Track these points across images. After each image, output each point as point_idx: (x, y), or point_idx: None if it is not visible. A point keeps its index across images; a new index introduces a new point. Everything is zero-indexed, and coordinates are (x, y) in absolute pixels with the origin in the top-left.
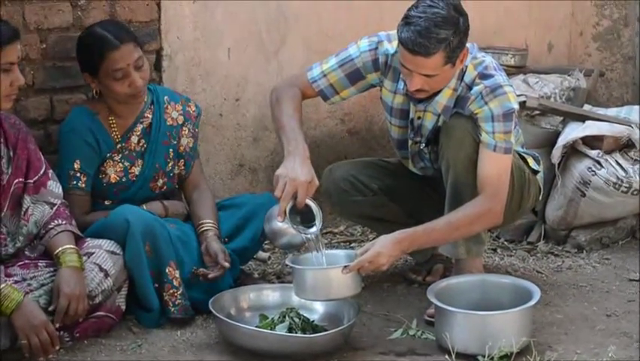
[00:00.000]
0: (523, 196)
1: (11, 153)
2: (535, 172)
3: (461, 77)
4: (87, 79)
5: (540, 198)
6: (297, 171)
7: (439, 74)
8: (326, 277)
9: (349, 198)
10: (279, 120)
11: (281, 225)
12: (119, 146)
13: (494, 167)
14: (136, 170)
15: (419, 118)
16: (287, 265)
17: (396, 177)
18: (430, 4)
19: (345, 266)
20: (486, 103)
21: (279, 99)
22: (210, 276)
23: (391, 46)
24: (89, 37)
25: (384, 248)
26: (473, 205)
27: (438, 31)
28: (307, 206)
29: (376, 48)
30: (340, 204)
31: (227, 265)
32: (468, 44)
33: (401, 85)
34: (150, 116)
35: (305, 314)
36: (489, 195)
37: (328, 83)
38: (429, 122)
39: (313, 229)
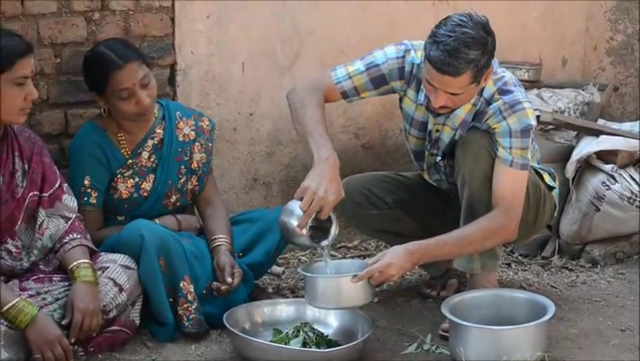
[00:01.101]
0: (538, 212)
1: (26, 167)
2: (551, 188)
3: (480, 92)
4: (95, 98)
5: (555, 214)
6: (326, 188)
7: (464, 92)
8: (337, 285)
9: (364, 211)
10: (305, 125)
11: (297, 229)
12: (129, 162)
13: (510, 182)
14: (147, 186)
15: (437, 131)
16: (299, 273)
17: (411, 191)
18: (459, 23)
19: (355, 275)
20: (504, 118)
21: (305, 103)
22: (222, 288)
23: (417, 56)
24: (94, 57)
25: (395, 259)
26: (487, 220)
27: (467, 52)
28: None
29: (403, 56)
30: (355, 217)
31: (229, 279)
32: None
33: (422, 97)
34: (161, 131)
35: (319, 329)
36: (503, 210)
37: (353, 85)
38: (446, 135)
39: (325, 242)
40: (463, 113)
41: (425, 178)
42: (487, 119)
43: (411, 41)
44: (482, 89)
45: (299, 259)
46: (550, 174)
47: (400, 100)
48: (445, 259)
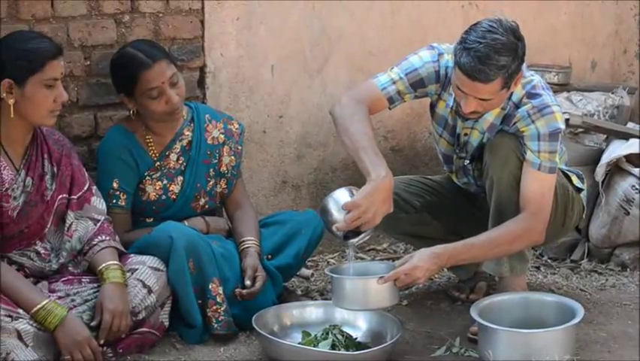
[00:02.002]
0: (567, 214)
1: (55, 169)
2: (579, 190)
3: (509, 96)
4: (124, 100)
5: (584, 216)
6: (376, 210)
7: (495, 98)
8: (363, 287)
9: (392, 215)
10: (357, 141)
11: (333, 226)
12: (157, 164)
13: (538, 186)
14: (175, 188)
15: (465, 135)
16: (328, 275)
17: (439, 195)
18: (489, 29)
19: (382, 277)
20: (533, 122)
21: (354, 117)
22: (244, 293)
23: (450, 58)
24: (121, 58)
25: (422, 262)
26: (514, 223)
27: (498, 58)
28: None
29: (438, 60)
30: (383, 221)
31: (247, 282)
32: None
33: (451, 101)
34: (190, 134)
35: (348, 331)
36: (531, 213)
37: (396, 90)
38: (474, 139)
39: (352, 240)
40: (491, 117)
41: (454, 181)
42: (515, 123)
43: (439, 45)
44: (511, 93)
45: (328, 262)
46: (579, 176)
47: (433, 104)
48: (472, 262)
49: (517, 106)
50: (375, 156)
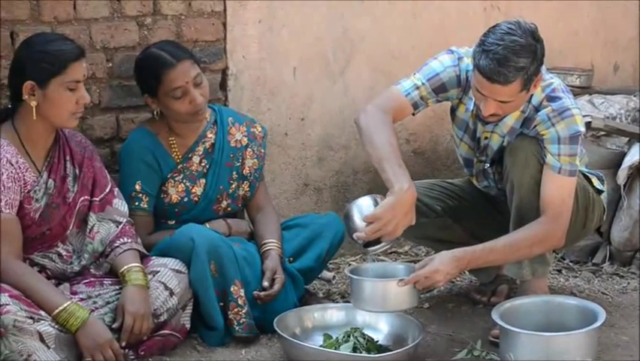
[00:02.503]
0: (587, 216)
1: (77, 171)
2: (600, 192)
3: (529, 99)
4: (147, 101)
5: (604, 217)
6: (397, 223)
7: (514, 100)
8: (383, 288)
9: None
10: (381, 151)
11: (354, 233)
12: (180, 166)
13: (558, 189)
14: (198, 190)
15: (486, 138)
16: (346, 275)
17: (460, 199)
18: (508, 31)
19: (402, 279)
20: (553, 125)
21: (378, 127)
22: (262, 295)
23: (470, 62)
24: (145, 59)
25: (443, 265)
26: (535, 227)
27: (517, 60)
28: None
29: (458, 64)
30: None
31: (265, 283)
32: None
33: (471, 104)
34: (212, 136)
35: (369, 334)
36: (551, 217)
37: (419, 95)
38: (495, 143)
39: (372, 248)
40: (511, 120)
41: (474, 184)
42: (535, 126)
43: (458, 49)
44: (531, 96)
45: (349, 264)
46: (599, 178)
47: (454, 108)
48: (493, 265)
49: (537, 109)
50: (399, 167)
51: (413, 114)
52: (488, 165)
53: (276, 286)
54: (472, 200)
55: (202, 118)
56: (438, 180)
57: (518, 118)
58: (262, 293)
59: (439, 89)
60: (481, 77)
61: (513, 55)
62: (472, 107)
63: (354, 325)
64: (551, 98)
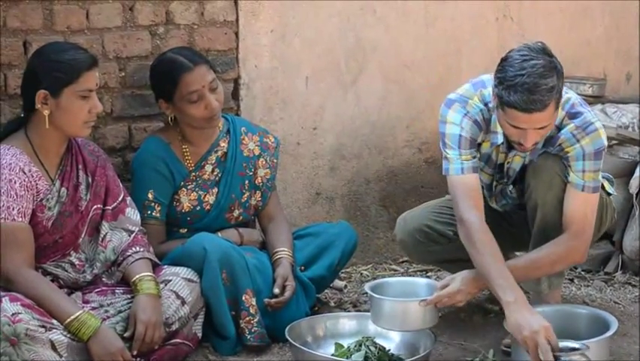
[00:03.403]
0: (602, 221)
1: (90, 180)
2: (609, 194)
3: None
4: (162, 105)
5: (615, 216)
6: (531, 323)
7: (551, 123)
8: (403, 308)
9: (425, 248)
10: (482, 266)
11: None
12: (192, 174)
13: (581, 206)
14: (210, 199)
15: (508, 163)
16: (365, 291)
17: None
18: (525, 58)
19: (424, 299)
20: (578, 141)
21: (476, 241)
22: (272, 302)
23: (476, 101)
24: (162, 63)
25: (465, 285)
26: (557, 245)
27: (546, 82)
28: None
29: (467, 112)
30: (417, 255)
31: (276, 290)
32: None
33: (497, 138)
34: (225, 145)
35: (381, 343)
36: (574, 234)
37: (468, 161)
38: (517, 164)
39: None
40: None
41: (491, 205)
42: (560, 144)
43: (455, 94)
44: None
45: (361, 273)
46: (609, 180)
47: (478, 144)
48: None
49: (559, 128)
50: (505, 280)
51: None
52: (511, 185)
53: (287, 294)
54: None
55: (216, 124)
56: (445, 199)
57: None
58: (272, 300)
59: (472, 144)
60: (516, 112)
61: (541, 78)
62: (498, 141)
63: (365, 334)
64: (572, 115)
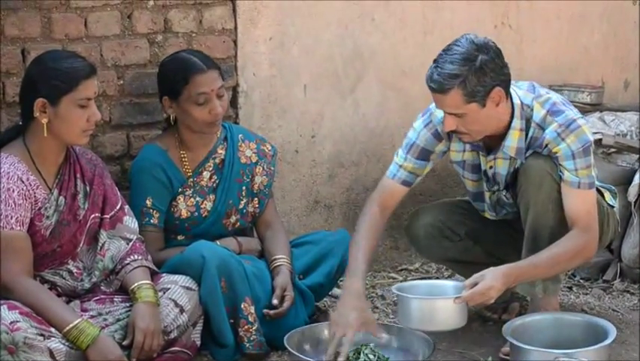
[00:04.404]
0: (603, 230)
1: (88, 188)
2: (612, 207)
3: (527, 117)
4: (165, 104)
5: (618, 229)
6: (346, 318)
7: (468, 114)
8: (433, 307)
9: (437, 243)
10: (349, 248)
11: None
12: (190, 181)
13: (582, 203)
14: (208, 205)
15: (491, 167)
16: (393, 293)
17: (481, 220)
18: (455, 44)
19: (458, 297)
20: (563, 140)
21: (357, 225)
22: (271, 313)
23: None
24: (175, 60)
25: (496, 281)
26: (570, 241)
27: (452, 68)
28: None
29: (430, 121)
30: (428, 250)
31: (274, 301)
32: (525, 83)
33: (459, 145)
34: (223, 152)
35: (379, 351)
36: (582, 229)
37: (407, 171)
38: (501, 168)
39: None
40: (513, 142)
41: (489, 218)
42: (547, 145)
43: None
44: (530, 114)
45: (373, 287)
46: (611, 192)
47: (450, 158)
48: (534, 279)
49: (542, 127)
50: (353, 262)
51: (410, 187)
52: (504, 191)
53: (286, 304)
54: (493, 221)
55: (216, 130)
56: (459, 200)
57: (519, 137)
58: (272, 312)
59: (423, 155)
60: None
61: (448, 63)
62: (462, 147)
63: (363, 342)
64: (554, 113)
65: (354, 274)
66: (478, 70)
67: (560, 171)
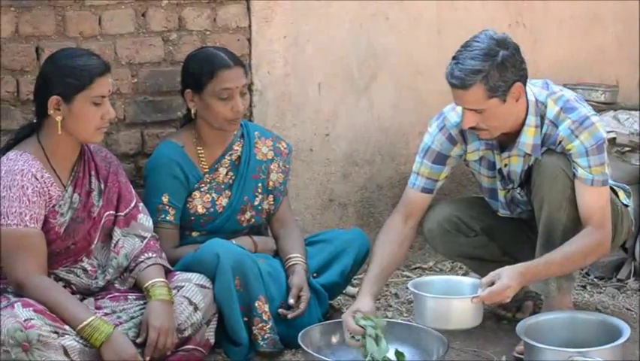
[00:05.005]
0: (617, 230)
1: (102, 186)
2: (626, 206)
3: (541, 114)
4: (188, 97)
5: (633, 229)
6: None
7: (488, 110)
8: (450, 306)
9: (452, 238)
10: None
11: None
12: (206, 176)
13: (595, 200)
14: (223, 201)
15: (505, 165)
16: (409, 290)
17: (497, 217)
18: (475, 39)
19: (476, 296)
20: (577, 137)
21: (377, 239)
22: (289, 316)
23: (456, 113)
24: (203, 54)
25: (512, 280)
26: (584, 238)
27: (473, 64)
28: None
29: (444, 125)
30: (443, 244)
31: (291, 301)
32: (539, 81)
33: (476, 144)
34: (239, 149)
35: (394, 348)
36: (596, 226)
37: (424, 177)
38: (516, 165)
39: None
40: (529, 138)
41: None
42: (560, 142)
43: (452, 104)
44: (544, 111)
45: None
46: (626, 191)
47: (465, 158)
48: (548, 277)
49: (556, 124)
50: (365, 280)
51: (433, 195)
52: (518, 188)
53: (302, 306)
54: (509, 219)
55: (235, 128)
56: (476, 197)
57: (535, 134)
58: (289, 314)
59: (439, 159)
60: (450, 86)
61: (470, 59)
62: (477, 146)
63: None
64: (567, 110)
65: (364, 294)
66: (499, 65)
67: (574, 168)
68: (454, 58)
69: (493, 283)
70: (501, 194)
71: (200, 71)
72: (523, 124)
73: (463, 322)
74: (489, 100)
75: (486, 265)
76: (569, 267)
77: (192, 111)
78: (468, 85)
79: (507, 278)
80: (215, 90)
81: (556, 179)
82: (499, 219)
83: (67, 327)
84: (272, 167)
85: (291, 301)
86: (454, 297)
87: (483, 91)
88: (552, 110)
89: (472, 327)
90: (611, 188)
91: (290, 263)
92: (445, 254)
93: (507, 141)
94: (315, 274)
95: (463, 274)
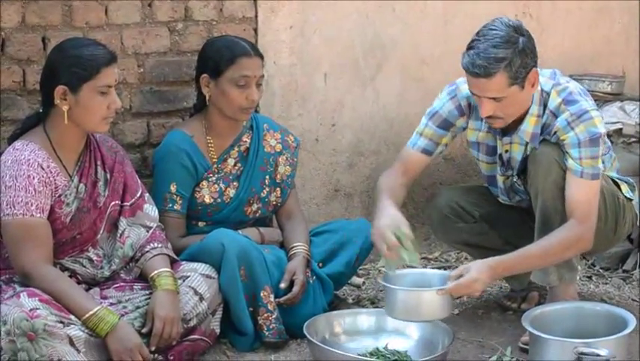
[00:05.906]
0: (618, 222)
1: (108, 176)
2: (629, 199)
3: (544, 104)
4: (203, 82)
5: (637, 223)
6: (378, 222)
7: (507, 97)
8: (418, 298)
9: (451, 224)
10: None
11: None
12: (215, 167)
13: (582, 193)
14: (231, 192)
15: (507, 151)
16: (380, 284)
17: (497, 205)
18: (491, 28)
19: (441, 288)
20: (572, 129)
21: (378, 191)
22: (281, 301)
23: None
24: (224, 40)
25: (480, 274)
26: (564, 231)
27: (496, 51)
28: None
29: (455, 95)
30: (442, 230)
31: (282, 285)
32: (549, 70)
33: (479, 124)
34: (248, 140)
35: (399, 340)
36: (579, 219)
37: (427, 139)
38: (517, 153)
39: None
40: (530, 127)
41: (504, 203)
42: (556, 132)
43: (460, 79)
44: (547, 101)
45: (379, 270)
46: (629, 184)
47: (467, 135)
48: (526, 271)
49: (556, 114)
50: (379, 200)
51: (431, 157)
52: (516, 176)
53: (295, 288)
54: (509, 207)
55: (246, 118)
56: (477, 185)
57: (536, 123)
58: (282, 299)
59: (444, 125)
60: (468, 76)
61: (492, 47)
62: (481, 127)
63: (384, 330)
64: (569, 102)
65: (382, 201)
66: (521, 52)
67: (565, 159)
68: (470, 48)
69: (461, 277)
70: (500, 180)
71: (220, 56)
72: (526, 112)
73: (432, 314)
74: (510, 87)
75: (487, 253)
76: (546, 260)
77: (207, 97)
78: (493, 73)
79: (475, 272)
80: (233, 77)
81: (549, 170)
82: (500, 208)
83: (72, 317)
84: (280, 160)
85: (282, 285)
86: (423, 289)
87: (506, 79)
88: (554, 101)
89: (442, 318)
90: (614, 181)
91: (292, 251)
92: (446, 241)
93: (509, 126)
94: (320, 264)
95: None
